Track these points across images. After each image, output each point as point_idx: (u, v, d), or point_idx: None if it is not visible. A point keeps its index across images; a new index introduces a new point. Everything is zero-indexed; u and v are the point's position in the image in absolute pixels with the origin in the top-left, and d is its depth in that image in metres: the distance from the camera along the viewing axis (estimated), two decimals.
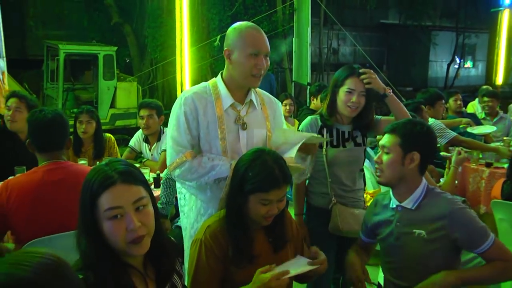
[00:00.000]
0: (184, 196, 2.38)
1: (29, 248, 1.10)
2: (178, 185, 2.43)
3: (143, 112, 4.20)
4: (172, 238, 1.72)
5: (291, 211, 2.86)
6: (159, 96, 12.25)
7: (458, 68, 20.85)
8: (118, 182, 1.39)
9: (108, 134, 4.45)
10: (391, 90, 2.64)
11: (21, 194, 2.41)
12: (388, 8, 19.23)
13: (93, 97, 10.09)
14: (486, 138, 5.21)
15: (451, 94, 5.85)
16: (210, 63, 11.77)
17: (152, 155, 4.31)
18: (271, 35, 11.69)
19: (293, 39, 9.99)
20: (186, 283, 1.84)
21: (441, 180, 3.93)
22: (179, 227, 3.32)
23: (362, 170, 2.80)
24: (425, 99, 4.61)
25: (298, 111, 6.58)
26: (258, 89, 2.42)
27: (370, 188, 3.97)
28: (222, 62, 2.45)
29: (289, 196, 2.96)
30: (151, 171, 3.90)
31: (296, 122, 5.77)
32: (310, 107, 5.57)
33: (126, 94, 10.31)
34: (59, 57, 9.62)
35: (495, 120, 5.77)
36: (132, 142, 4.51)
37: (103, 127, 4.62)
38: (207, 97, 2.24)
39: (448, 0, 19.03)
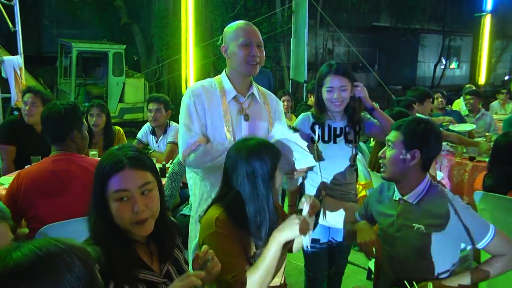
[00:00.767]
0: (193, 181, 2.39)
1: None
2: (188, 175, 2.43)
3: (152, 106, 4.21)
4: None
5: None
6: (165, 92, 12.23)
7: (444, 69, 20.84)
8: (127, 167, 1.42)
9: (117, 127, 4.46)
10: (376, 107, 2.66)
11: (30, 182, 2.43)
12: (380, 12, 19.19)
13: (103, 92, 10.08)
14: (469, 133, 5.22)
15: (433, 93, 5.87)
16: (213, 61, 11.74)
17: (158, 146, 4.32)
18: (270, 35, 11.67)
19: (291, 39, 9.96)
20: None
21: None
22: (183, 215, 3.32)
23: (354, 165, 2.73)
24: (414, 96, 4.60)
25: (296, 107, 6.58)
26: (260, 87, 2.45)
27: (362, 179, 3.97)
28: (224, 60, 2.44)
29: (285, 186, 2.94)
30: (157, 161, 3.89)
31: (294, 117, 5.76)
32: (308, 103, 5.59)
33: (134, 89, 10.30)
34: (72, 55, 9.64)
35: (477, 116, 5.78)
36: (139, 134, 4.52)
37: (113, 120, 4.62)
38: (213, 90, 2.28)
39: (435, 5, 18.99)
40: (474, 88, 8.06)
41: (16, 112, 4.30)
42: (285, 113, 5.65)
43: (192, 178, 2.38)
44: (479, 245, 1.92)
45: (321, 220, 2.61)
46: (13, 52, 5.54)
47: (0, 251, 0.87)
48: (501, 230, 1.94)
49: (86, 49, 10.18)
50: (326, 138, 2.65)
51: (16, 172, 2.62)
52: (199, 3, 10.30)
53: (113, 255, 1.40)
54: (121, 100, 10.10)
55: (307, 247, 1.65)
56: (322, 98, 2.61)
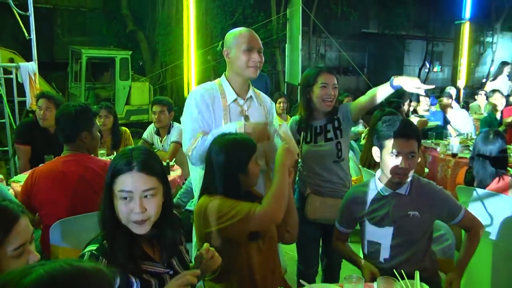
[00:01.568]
0: (198, 178, 2.36)
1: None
2: (192, 173, 2.41)
3: (156, 108, 4.21)
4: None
5: None
6: (168, 95, 12.19)
7: (428, 72, 20.83)
8: (135, 170, 1.42)
9: (124, 128, 4.46)
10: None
11: (42, 181, 2.43)
12: (369, 19, 19.17)
13: (111, 95, 10.07)
14: (450, 130, 5.25)
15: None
16: (213, 66, 11.71)
17: (162, 146, 4.32)
18: (266, 41, 11.65)
19: (286, 45, 9.96)
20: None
21: None
22: (188, 211, 3.32)
23: (340, 160, 2.62)
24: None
25: (291, 108, 6.59)
26: (256, 90, 2.45)
27: (353, 175, 3.96)
28: (223, 64, 2.45)
29: None
30: (161, 160, 3.90)
31: (289, 117, 5.77)
32: None
33: (140, 92, 10.28)
34: (82, 60, 9.65)
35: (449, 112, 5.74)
36: (145, 135, 4.52)
37: (120, 122, 4.63)
38: (214, 93, 2.29)
39: (419, 14, 18.95)
40: (454, 89, 8.11)
41: (31, 115, 4.30)
42: (281, 114, 5.72)
43: (196, 175, 2.37)
44: (454, 221, 2.13)
45: (308, 216, 2.61)
46: (28, 58, 5.54)
47: (9, 276, 0.81)
48: (468, 210, 2.16)
49: (95, 55, 10.16)
50: (308, 139, 2.61)
51: (31, 170, 2.61)
52: (200, 11, 10.26)
53: (118, 246, 1.41)
54: (127, 102, 10.09)
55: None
56: (312, 97, 2.56)
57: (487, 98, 7.69)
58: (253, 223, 1.73)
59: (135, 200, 1.42)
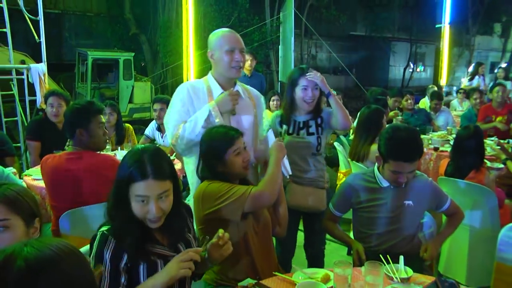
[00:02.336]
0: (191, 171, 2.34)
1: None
2: (186, 166, 2.40)
3: (157, 106, 4.21)
4: None
5: None
6: (169, 93, 12.04)
7: (412, 72, 20.89)
8: (150, 178, 1.43)
9: (127, 124, 4.46)
10: (335, 93, 2.58)
11: (48, 173, 2.44)
12: (357, 23, 19.18)
13: (115, 94, 10.03)
14: (433, 127, 5.27)
15: (404, 94, 5.91)
16: (210, 66, 11.60)
17: (163, 141, 4.31)
18: (261, 43, 11.63)
19: (279, 46, 9.92)
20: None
21: None
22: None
23: (318, 154, 2.62)
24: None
25: None
26: (246, 86, 2.43)
27: (343, 168, 3.98)
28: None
29: None
30: None
31: None
32: None
33: (142, 91, 10.25)
34: (88, 62, 9.63)
35: (436, 114, 5.76)
36: (147, 131, 4.50)
37: (123, 119, 4.62)
38: (201, 88, 2.25)
39: (403, 18, 18.99)
40: (436, 88, 8.14)
41: (40, 113, 4.30)
42: (274, 111, 5.67)
43: (190, 169, 2.32)
44: (441, 209, 2.22)
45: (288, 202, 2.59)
46: (38, 60, 5.55)
47: (7, 251, 0.81)
48: (453, 200, 2.26)
49: (100, 56, 10.12)
50: (290, 131, 2.60)
51: (40, 164, 2.60)
52: (198, 15, 10.21)
53: (129, 233, 1.42)
54: (130, 101, 10.06)
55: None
56: (295, 98, 2.56)
57: (467, 97, 7.75)
58: (248, 202, 1.78)
59: (151, 203, 1.44)
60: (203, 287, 1.92)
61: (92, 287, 0.87)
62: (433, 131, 5.14)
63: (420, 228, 2.32)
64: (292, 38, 8.90)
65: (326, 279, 1.66)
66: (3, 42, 6.22)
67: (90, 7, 14.14)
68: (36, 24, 5.19)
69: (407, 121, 5.14)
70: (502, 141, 4.33)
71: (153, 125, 4.45)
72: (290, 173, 2.23)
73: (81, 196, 2.36)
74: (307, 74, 2.49)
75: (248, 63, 5.25)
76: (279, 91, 8.57)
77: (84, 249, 1.52)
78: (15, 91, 5.31)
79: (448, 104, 7.70)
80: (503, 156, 3.70)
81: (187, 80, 7.66)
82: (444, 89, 11.39)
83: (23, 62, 6.57)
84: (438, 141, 4.48)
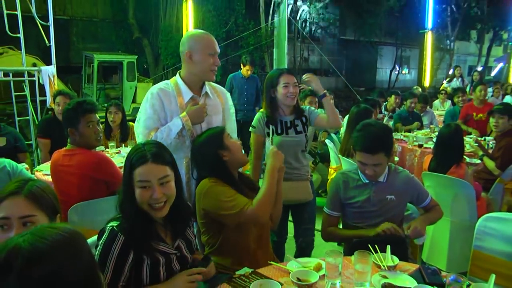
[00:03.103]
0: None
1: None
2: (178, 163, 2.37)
3: None
4: None
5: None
6: None
7: (398, 74, 20.95)
8: (150, 162, 1.43)
9: (131, 123, 4.42)
10: (328, 94, 2.58)
11: (51, 167, 2.47)
12: (346, 28, 19.19)
13: (119, 94, 9.99)
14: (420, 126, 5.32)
15: (392, 94, 5.96)
16: None
17: None
18: (256, 46, 11.62)
19: (274, 49, 9.90)
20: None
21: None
22: None
23: (305, 151, 2.66)
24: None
25: None
26: (211, 83, 2.31)
27: (333, 164, 3.98)
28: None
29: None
30: None
31: None
32: None
33: (144, 92, 9.98)
34: (94, 64, 9.57)
35: (422, 114, 5.79)
36: None
37: (127, 118, 4.60)
38: (170, 92, 2.14)
39: (389, 24, 18.99)
40: (420, 89, 8.21)
41: (50, 112, 4.31)
42: None
43: (181, 165, 2.27)
44: (421, 205, 2.21)
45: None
46: (48, 63, 5.59)
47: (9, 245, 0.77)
48: (433, 198, 2.26)
49: (105, 59, 10.05)
50: (279, 131, 2.59)
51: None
52: (197, 20, 10.19)
53: (137, 229, 1.41)
54: (133, 101, 10.00)
55: None
56: (275, 98, 2.56)
57: (448, 97, 7.79)
58: (243, 218, 1.76)
59: (153, 187, 1.43)
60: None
61: (91, 275, 0.83)
62: (418, 129, 5.22)
63: (405, 220, 2.32)
64: (286, 42, 8.90)
65: (318, 268, 1.67)
66: (16, 46, 6.25)
67: (96, 13, 14.14)
68: (46, 29, 5.22)
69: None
70: (479, 138, 4.37)
71: None
72: None
73: (80, 190, 2.34)
74: (303, 76, 2.52)
75: (247, 68, 5.69)
76: None
77: (90, 240, 1.50)
78: (27, 91, 5.33)
79: (430, 104, 7.74)
80: (480, 153, 3.73)
81: None
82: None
83: (34, 64, 6.57)
84: (422, 138, 4.53)
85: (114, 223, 1.42)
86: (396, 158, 4.20)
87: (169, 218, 1.54)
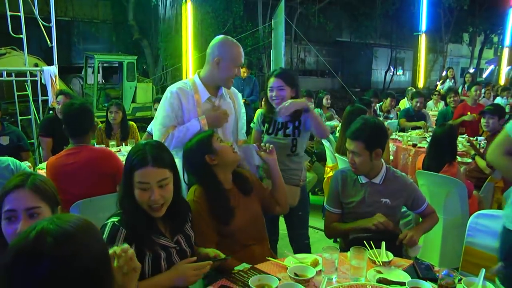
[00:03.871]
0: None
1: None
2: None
3: (158, 105, 4.18)
4: None
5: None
6: None
7: (392, 75, 20.96)
8: (150, 165, 1.44)
9: (131, 122, 4.45)
10: (310, 109, 2.46)
11: (51, 170, 2.43)
12: (342, 29, 19.21)
13: (119, 94, 9.93)
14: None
15: (388, 96, 5.99)
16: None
17: None
18: (254, 47, 11.62)
19: (271, 51, 9.92)
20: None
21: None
22: None
23: (293, 154, 2.52)
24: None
25: None
26: None
27: (329, 162, 3.99)
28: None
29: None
30: None
31: None
32: None
33: (144, 92, 10.18)
34: (94, 65, 9.52)
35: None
36: (149, 128, 4.47)
37: (127, 117, 4.61)
38: (188, 91, 2.18)
39: (384, 26, 19.01)
40: (414, 90, 8.22)
41: (52, 111, 4.32)
42: None
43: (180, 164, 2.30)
44: (417, 211, 2.15)
45: None
46: (50, 63, 5.59)
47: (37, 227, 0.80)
48: (430, 205, 2.20)
49: (105, 60, 10.06)
50: (270, 131, 2.57)
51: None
52: (196, 21, 10.16)
53: (138, 223, 1.43)
54: (133, 100, 9.97)
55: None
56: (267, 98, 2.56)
57: (442, 98, 7.82)
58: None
59: (152, 189, 1.45)
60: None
61: (106, 260, 0.88)
62: (412, 128, 5.25)
63: (401, 217, 2.33)
64: (283, 43, 8.90)
65: (315, 263, 1.68)
66: (19, 47, 6.26)
67: (97, 14, 14.08)
68: (48, 30, 5.23)
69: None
70: (471, 138, 4.40)
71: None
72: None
73: (83, 187, 2.35)
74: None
75: (243, 70, 5.77)
76: None
77: None
78: (29, 91, 5.33)
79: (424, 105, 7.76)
80: (472, 152, 3.75)
81: None
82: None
83: (36, 65, 6.56)
84: (416, 138, 4.55)
85: (115, 219, 1.44)
86: (391, 157, 4.23)
87: (168, 214, 1.55)
